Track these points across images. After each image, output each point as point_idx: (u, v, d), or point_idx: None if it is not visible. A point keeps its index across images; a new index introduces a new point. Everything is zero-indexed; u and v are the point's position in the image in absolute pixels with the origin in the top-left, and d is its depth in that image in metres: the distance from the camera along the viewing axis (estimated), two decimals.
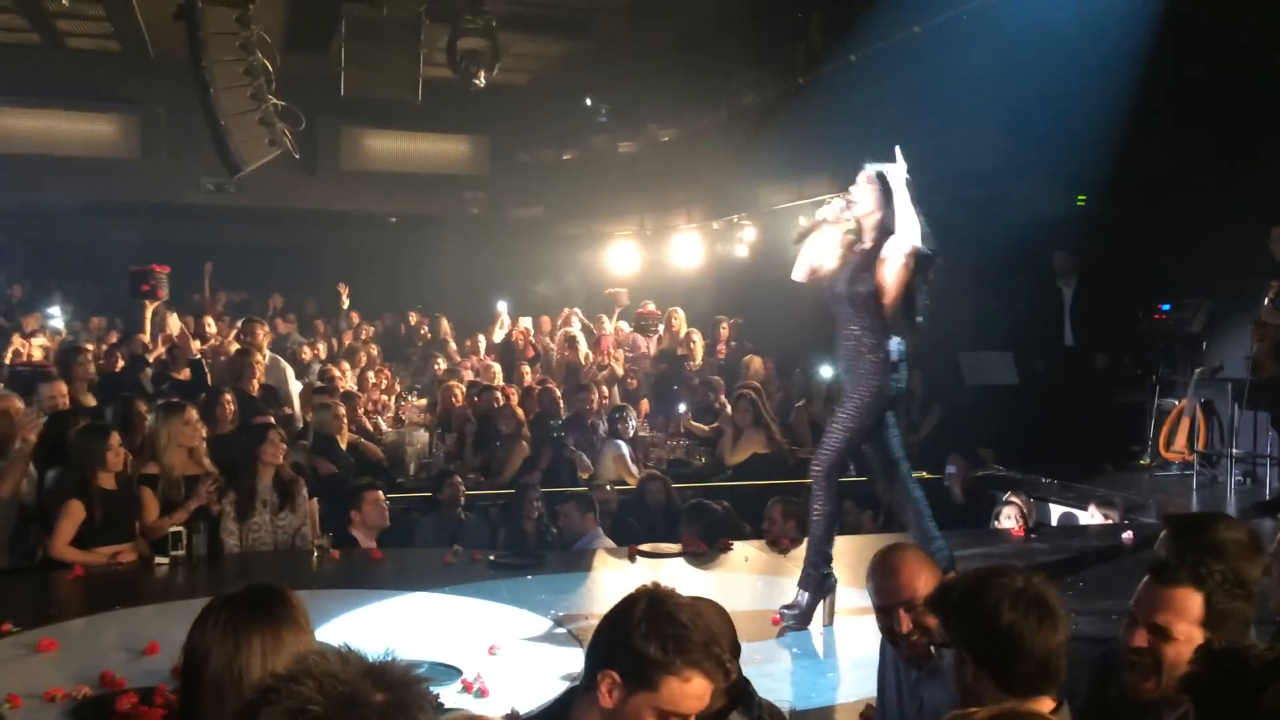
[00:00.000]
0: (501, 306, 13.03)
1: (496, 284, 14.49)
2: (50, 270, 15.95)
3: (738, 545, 6.13)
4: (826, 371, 10.11)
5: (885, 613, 2.89)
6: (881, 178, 4.74)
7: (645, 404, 9.87)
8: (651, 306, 11.51)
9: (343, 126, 14.01)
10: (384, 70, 9.62)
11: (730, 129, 10.25)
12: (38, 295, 14.51)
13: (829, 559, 4.87)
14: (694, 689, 2.00)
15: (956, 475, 7.70)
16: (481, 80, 8.99)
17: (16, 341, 10.94)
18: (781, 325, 10.56)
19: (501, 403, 8.83)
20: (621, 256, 12.98)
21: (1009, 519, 6.76)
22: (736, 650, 2.54)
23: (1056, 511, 7.63)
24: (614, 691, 2.01)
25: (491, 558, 5.85)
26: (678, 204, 11.68)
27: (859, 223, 4.81)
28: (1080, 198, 8.67)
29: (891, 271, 4.64)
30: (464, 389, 9.82)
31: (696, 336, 10.79)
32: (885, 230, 4.70)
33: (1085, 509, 7.25)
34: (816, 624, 4.86)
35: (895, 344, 4.70)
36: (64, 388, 7.40)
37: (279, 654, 2.11)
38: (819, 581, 4.83)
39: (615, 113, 11.40)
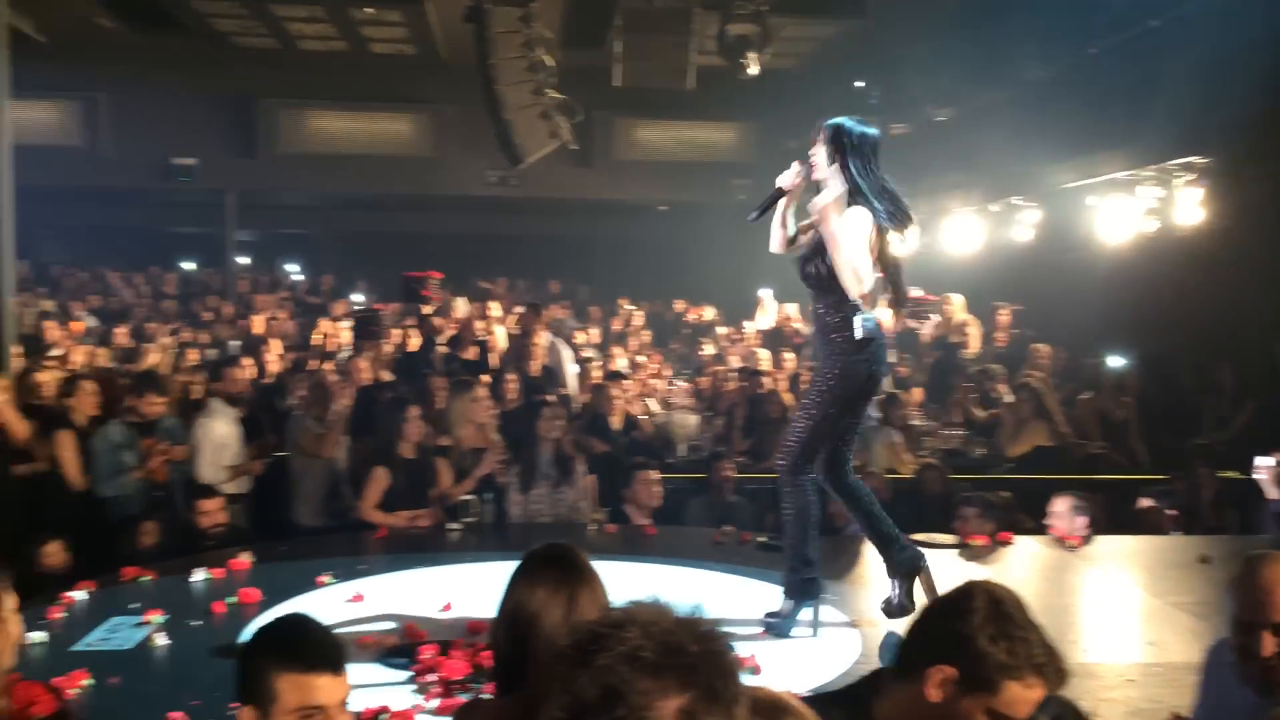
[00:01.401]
0: (765, 293, 13.01)
1: (762, 271, 14.50)
2: (355, 259, 17.41)
3: (1018, 540, 5.85)
4: (1115, 361, 9.47)
5: (1245, 629, 2.53)
6: (836, 133, 4.08)
7: (918, 392, 9.58)
8: (923, 292, 11.15)
9: (615, 118, 14.42)
10: (656, 60, 9.82)
11: (1013, 106, 9.75)
12: (345, 283, 15.83)
13: (809, 561, 4.26)
14: (1033, 695, 1.94)
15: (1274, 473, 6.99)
16: (753, 67, 8.99)
17: (324, 326, 11.97)
18: (1069, 312, 9.96)
19: (769, 388, 8.85)
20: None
21: None
22: None
23: None
24: (946, 687, 1.95)
25: (761, 540, 5.86)
26: (952, 186, 11.22)
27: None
28: None
29: (827, 236, 4.01)
30: (731, 374, 9.93)
31: (973, 323, 10.36)
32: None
33: None
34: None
35: (862, 321, 4.02)
36: (366, 364, 8.06)
37: (597, 607, 2.20)
38: (800, 587, 4.29)
39: (887, 94, 11.10)
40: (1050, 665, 1.95)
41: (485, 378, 7.76)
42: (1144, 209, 8.43)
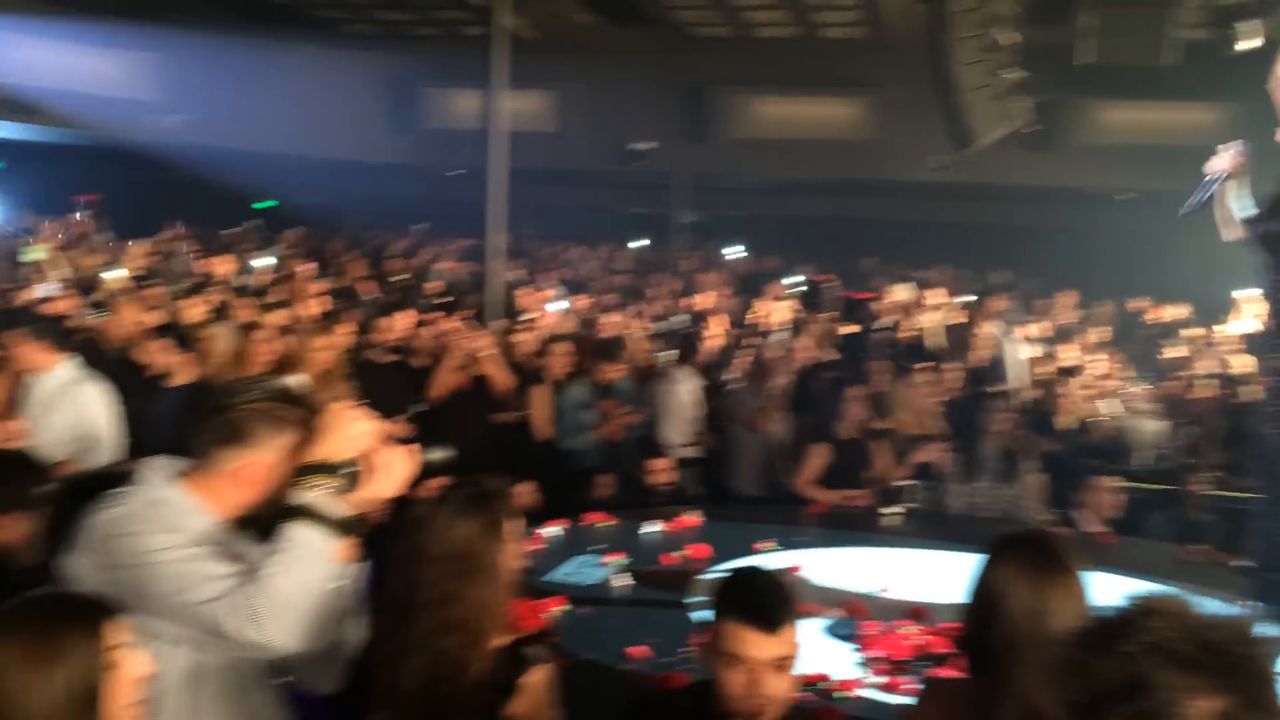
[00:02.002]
0: (1244, 293, 11.55)
1: (1239, 268, 12.91)
2: (793, 242, 17.73)
3: None
4: None
5: None
6: None
7: None
8: None
9: (1078, 99, 13.44)
10: (1130, 35, 9.03)
11: None
12: (785, 266, 16.17)
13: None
14: None
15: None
16: (1249, 39, 7.99)
17: (763, 305, 12.27)
18: None
19: (1250, 398, 7.85)
20: None
21: None
22: None
23: None
24: None
25: (1239, 564, 5.21)
26: None
27: None
28: None
29: None
30: (1203, 380, 8.95)
31: None
32: None
33: None
34: None
35: None
36: (807, 344, 8.17)
37: (1071, 599, 2.11)
38: (1270, 590, 3.81)
39: None
40: None
41: (926, 365, 7.59)
42: None
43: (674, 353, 7.68)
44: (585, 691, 3.27)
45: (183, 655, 2.09)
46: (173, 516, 2.10)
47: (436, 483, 2.55)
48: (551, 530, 5.05)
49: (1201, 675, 1.19)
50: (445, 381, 6.72)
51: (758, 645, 2.20)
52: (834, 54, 13.86)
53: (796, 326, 9.10)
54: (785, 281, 14.55)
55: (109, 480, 2.61)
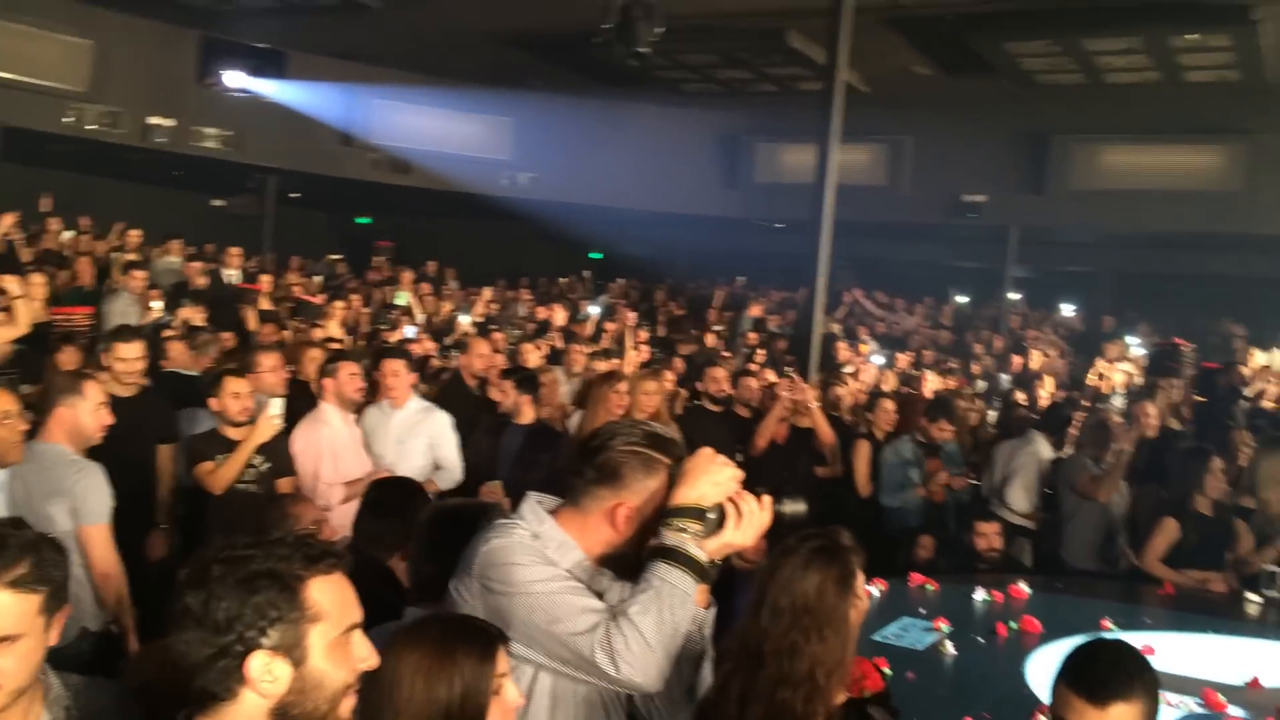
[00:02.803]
0: None
1: None
2: (1135, 300, 16.54)
3: None
4: None
5: None
6: None
7: None
8: None
9: None
10: None
11: None
12: (1123, 324, 15.13)
13: None
14: None
15: None
16: None
17: (1100, 365, 11.54)
18: None
19: None
20: None
21: None
22: None
23: None
24: None
25: None
26: None
27: None
28: None
29: None
30: None
31: None
32: None
33: None
34: None
35: None
36: (1156, 410, 7.61)
37: None
38: None
39: None
40: None
41: None
42: None
43: (1023, 416, 7.39)
44: None
45: (545, 679, 2.21)
46: (550, 550, 2.25)
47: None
48: (876, 589, 5.00)
49: None
50: (769, 432, 6.83)
51: (1082, 714, 2.18)
52: (1198, 99, 12.87)
53: (1147, 390, 8.49)
54: (1128, 341, 13.62)
55: (478, 511, 2.88)
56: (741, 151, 16.60)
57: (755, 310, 13.36)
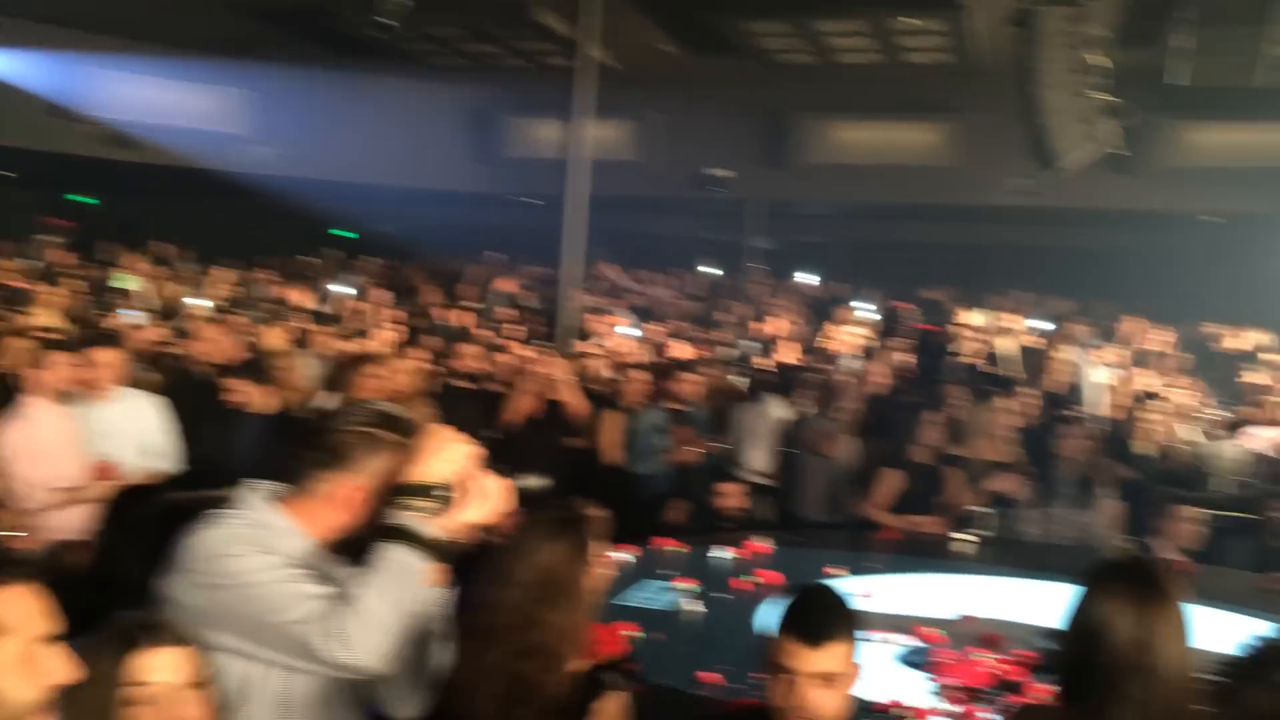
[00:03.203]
0: None
1: None
2: (866, 268, 17.65)
3: None
4: None
5: None
6: None
7: None
8: None
9: (1166, 121, 13.19)
10: (1224, 55, 8.92)
11: None
12: (856, 292, 16.11)
13: None
14: None
15: None
16: None
17: (834, 330, 12.26)
18: None
19: None
20: None
21: None
22: None
23: None
24: None
25: None
26: None
27: None
28: None
29: None
30: None
31: None
32: None
33: None
34: None
35: None
36: (880, 369, 8.18)
37: (1176, 628, 2.11)
38: None
39: None
40: None
41: (1002, 391, 7.54)
42: None
43: (758, 379, 7.74)
44: (658, 717, 3.34)
45: (275, 678, 2.16)
46: (271, 539, 2.18)
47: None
48: (622, 555, 5.14)
49: None
50: (520, 407, 6.87)
51: (800, 658, 2.26)
52: (919, 80, 13.85)
53: (869, 352, 9.10)
54: (856, 306, 14.52)
55: (206, 503, 2.75)
56: (492, 126, 16.50)
57: (508, 285, 13.35)
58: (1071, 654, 2.24)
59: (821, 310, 14.91)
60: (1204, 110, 12.83)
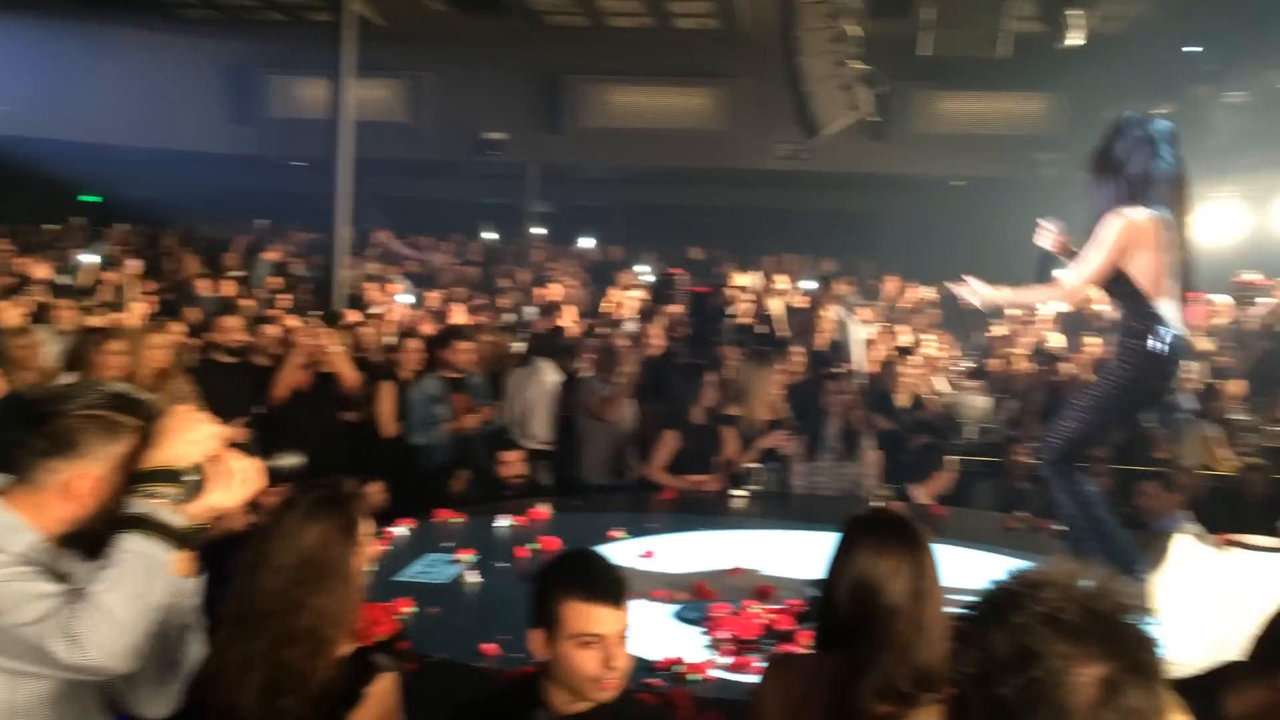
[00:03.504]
0: (1060, 274, 12.29)
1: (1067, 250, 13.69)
2: (645, 232, 17.90)
3: None
4: None
5: None
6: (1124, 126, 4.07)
7: (1240, 384, 8.78)
8: (1253, 276, 10.18)
9: (916, 89, 13.98)
10: (967, 27, 9.48)
11: None
12: (634, 255, 16.31)
13: (1132, 563, 4.09)
14: None
15: None
16: (1077, 34, 8.46)
17: (614, 294, 12.39)
18: None
19: (1066, 372, 8.38)
20: (1218, 220, 11.58)
21: None
22: None
23: None
24: None
25: (1058, 527, 5.58)
26: None
27: None
28: None
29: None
30: (1023, 357, 9.54)
31: None
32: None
33: None
34: None
35: (1164, 334, 3.96)
36: (657, 332, 8.30)
37: (937, 574, 2.22)
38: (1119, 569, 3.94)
39: (1224, 60, 10.17)
40: None
41: (773, 350, 7.80)
42: None
43: (532, 344, 7.69)
44: (438, 692, 3.28)
45: (17, 687, 1.97)
46: None
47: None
48: (401, 529, 5.02)
49: (1088, 643, 1.25)
50: (289, 381, 6.57)
51: (606, 620, 2.26)
52: (686, 45, 14.07)
53: (645, 315, 9.22)
54: (636, 270, 14.72)
55: None
56: (253, 85, 15.64)
57: (275, 254, 12.74)
58: (826, 603, 2.33)
59: (601, 274, 15.04)
60: (952, 80, 13.66)
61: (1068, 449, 4.20)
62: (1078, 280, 4.18)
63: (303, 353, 6.64)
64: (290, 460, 2.28)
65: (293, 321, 7.53)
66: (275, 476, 2.28)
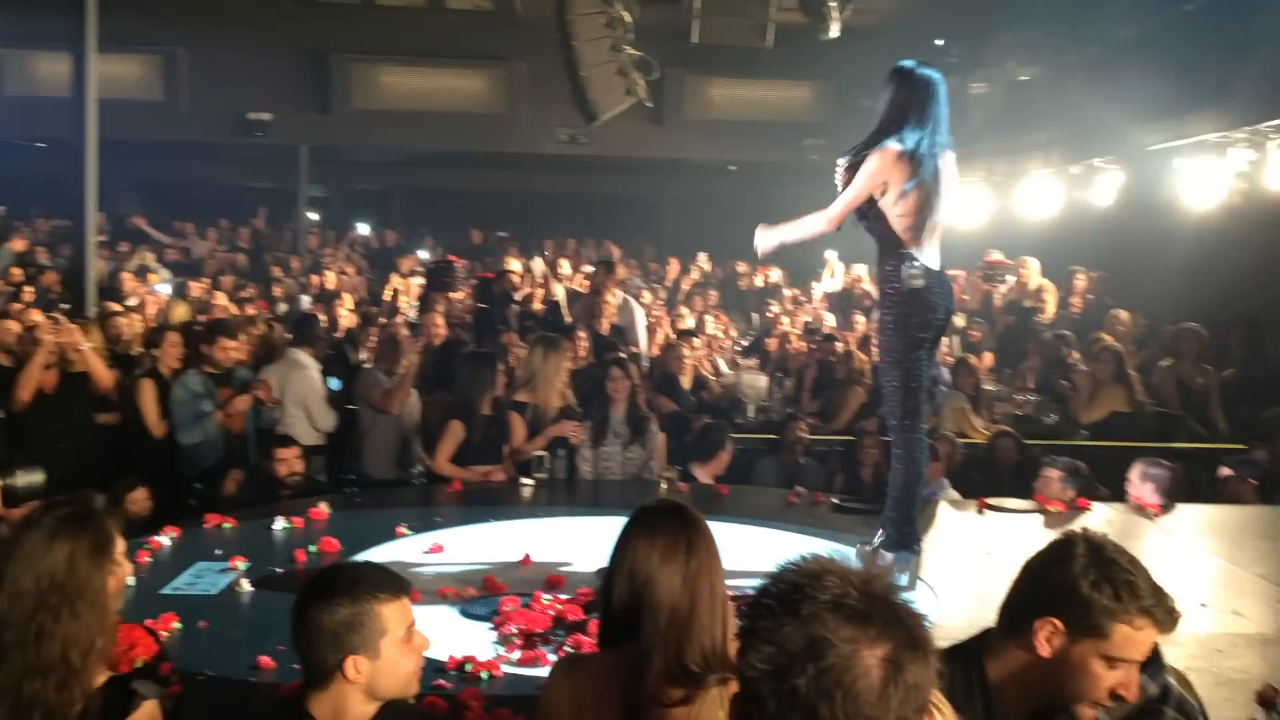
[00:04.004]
0: (830, 255, 12.89)
1: (832, 233, 14.33)
2: (424, 216, 17.56)
3: (1096, 506, 5.74)
4: (1198, 329, 9.22)
5: None
6: (896, 74, 4.19)
7: (989, 357, 9.45)
8: (999, 256, 10.96)
9: (689, 76, 14.25)
10: (735, 17, 9.70)
11: (1100, 65, 9.46)
12: (414, 241, 15.96)
13: (912, 515, 4.29)
14: (1144, 636, 1.96)
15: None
16: (835, 26, 8.80)
17: (395, 281, 12.09)
18: (1150, 279, 9.70)
19: (841, 349, 8.78)
20: (966, 204, 12.39)
21: None
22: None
23: None
24: (1055, 639, 1.97)
25: (835, 501, 5.83)
26: (1034, 147, 10.93)
27: None
28: None
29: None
30: (800, 335, 9.95)
31: (1049, 289, 10.14)
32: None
33: None
34: None
35: (908, 269, 4.09)
36: (440, 320, 8.13)
37: (715, 564, 2.23)
38: (902, 540, 4.23)
39: (969, 52, 10.86)
40: (1159, 606, 1.95)
41: (559, 335, 7.78)
42: (1234, 172, 8.17)
43: (305, 333, 7.36)
44: (209, 714, 3.09)
45: None
46: None
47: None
48: (167, 537, 4.71)
49: (870, 626, 1.28)
50: (33, 382, 6.04)
51: (405, 614, 2.19)
52: (463, 26, 13.78)
53: (424, 303, 9.02)
54: (415, 255, 14.40)
55: None
56: None
57: (17, 243, 11.71)
58: (608, 599, 2.31)
59: (378, 260, 14.64)
60: (723, 68, 14.00)
61: (904, 413, 4.24)
62: (838, 208, 4.21)
63: (48, 351, 6.12)
64: (26, 478, 2.07)
65: (37, 316, 6.91)
66: (9, 497, 2.06)
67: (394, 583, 2.21)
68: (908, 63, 4.24)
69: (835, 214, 4.23)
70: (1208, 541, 5.30)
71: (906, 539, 4.27)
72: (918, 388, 4.22)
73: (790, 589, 1.31)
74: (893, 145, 4.07)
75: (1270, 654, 3.67)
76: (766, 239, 4.54)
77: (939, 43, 11.14)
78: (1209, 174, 8.39)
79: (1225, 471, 6.75)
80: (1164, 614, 1.96)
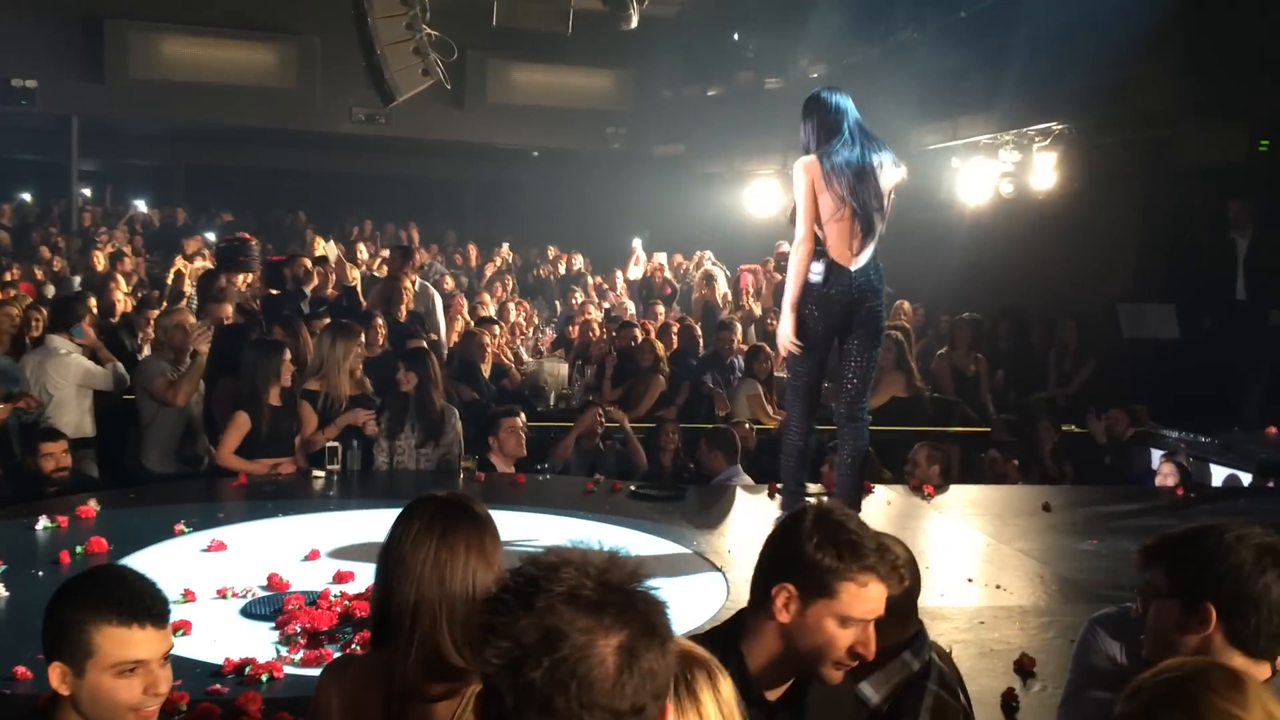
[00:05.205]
0: (636, 243, 13.06)
1: (635, 220, 14.52)
2: (209, 195, 16.68)
3: (878, 489, 6.04)
4: (969, 318, 9.83)
5: None
6: (811, 102, 4.73)
7: None
8: (788, 247, 11.36)
9: (490, 59, 14.09)
10: (536, 1, 9.66)
11: (884, 65, 9.93)
12: (198, 219, 15.16)
13: (802, 483, 4.94)
14: (872, 593, 2.02)
15: (1100, 429, 7.55)
16: (633, 18, 8.88)
17: (179, 263, 11.45)
18: (929, 271, 10.27)
19: (641, 337, 8.88)
20: (762, 195, 12.80)
21: (1168, 477, 6.49)
22: (917, 578, 2.49)
23: (1220, 474, 7.27)
24: (791, 604, 2.03)
25: (633, 488, 5.91)
26: None
27: None
28: (1263, 143, 8.11)
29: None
30: (601, 322, 10.01)
31: None
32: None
33: (1249, 471, 6.90)
34: None
35: (816, 268, 4.59)
36: (229, 307, 7.74)
37: (485, 558, 2.16)
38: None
39: (764, 48, 11.19)
40: (881, 563, 2.04)
41: (354, 322, 7.55)
42: (1001, 172, 8.76)
43: (66, 318, 6.84)
44: None
45: None
46: None
47: None
48: None
49: (605, 615, 1.28)
50: None
51: (149, 644, 2.02)
52: None
53: (210, 287, 8.55)
54: (200, 235, 13.66)
55: None
56: None
57: None
58: (377, 596, 2.21)
59: (160, 240, 13.84)
60: (526, 53, 13.90)
61: (802, 399, 4.74)
62: (801, 229, 4.59)
63: None
64: None
65: None
66: None
67: (127, 607, 2.01)
68: (817, 89, 4.83)
69: (801, 236, 4.60)
70: (976, 519, 5.66)
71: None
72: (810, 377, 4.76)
73: (526, 582, 1.31)
74: (806, 157, 4.57)
75: (1029, 625, 3.95)
76: (786, 326, 4.70)
77: (735, 37, 11.43)
78: (981, 173, 8.96)
79: (992, 453, 7.25)
80: (887, 570, 2.06)
